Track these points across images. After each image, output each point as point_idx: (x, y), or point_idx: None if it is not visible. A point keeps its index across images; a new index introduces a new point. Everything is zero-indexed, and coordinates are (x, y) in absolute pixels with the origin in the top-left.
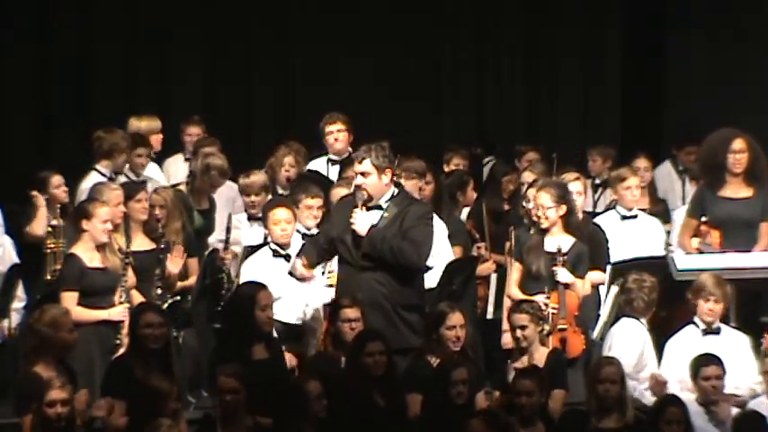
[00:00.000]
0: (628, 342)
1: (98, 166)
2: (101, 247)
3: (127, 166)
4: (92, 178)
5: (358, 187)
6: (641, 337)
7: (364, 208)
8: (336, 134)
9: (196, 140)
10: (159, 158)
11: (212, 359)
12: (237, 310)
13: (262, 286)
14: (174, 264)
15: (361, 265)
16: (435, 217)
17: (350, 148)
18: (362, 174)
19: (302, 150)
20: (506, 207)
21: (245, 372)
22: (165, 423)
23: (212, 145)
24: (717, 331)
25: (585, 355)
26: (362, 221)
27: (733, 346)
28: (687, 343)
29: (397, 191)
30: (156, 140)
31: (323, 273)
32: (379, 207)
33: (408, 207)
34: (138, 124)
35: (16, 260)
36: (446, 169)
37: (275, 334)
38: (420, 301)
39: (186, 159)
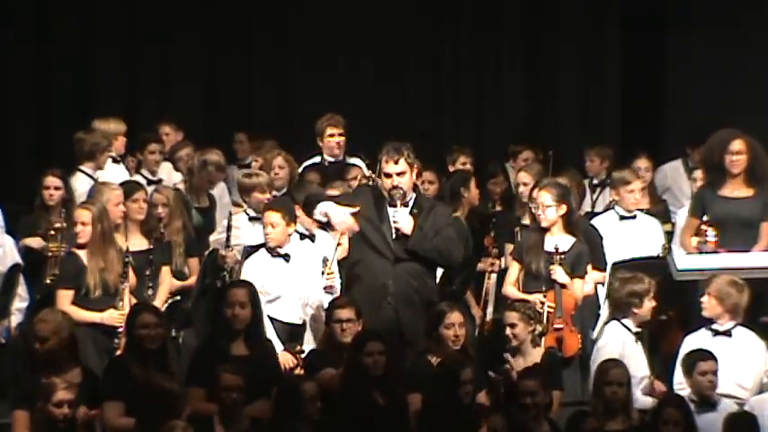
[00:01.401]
0: (608, 346)
1: (82, 167)
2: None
3: (123, 163)
4: (77, 179)
5: (395, 187)
6: (620, 340)
7: (403, 206)
8: (338, 138)
9: (173, 145)
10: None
11: (193, 357)
12: (214, 308)
13: (238, 284)
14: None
15: (397, 257)
16: None
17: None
18: (399, 173)
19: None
20: (497, 209)
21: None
22: (180, 425)
23: (186, 147)
24: (728, 333)
25: (582, 355)
26: (407, 221)
27: (744, 348)
28: (699, 343)
29: (416, 191)
30: (121, 143)
31: (322, 273)
32: (405, 204)
33: (435, 207)
34: (103, 126)
35: (18, 260)
36: (451, 168)
37: (275, 334)
38: (437, 298)
39: (165, 159)
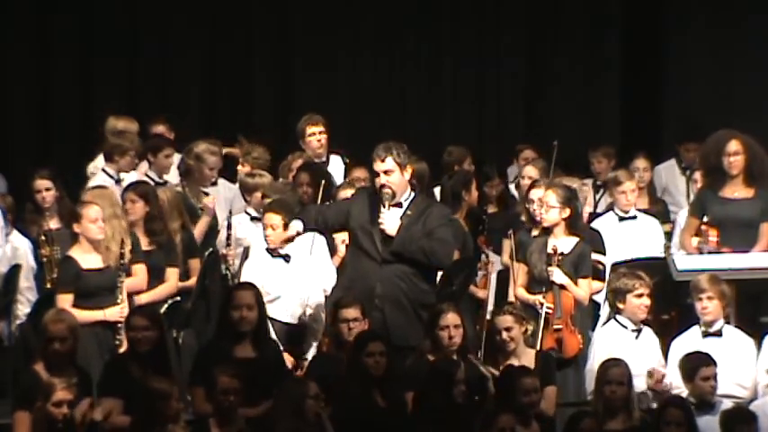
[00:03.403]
0: (599, 344)
1: (105, 167)
2: (101, 247)
3: (127, 166)
4: (99, 179)
5: (383, 186)
6: (613, 338)
7: (390, 207)
8: (318, 136)
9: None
10: None
11: (197, 358)
12: (219, 308)
13: (244, 286)
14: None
15: (384, 259)
16: None
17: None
18: (386, 172)
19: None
20: (491, 210)
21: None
22: (177, 428)
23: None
24: (718, 333)
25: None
26: (391, 222)
27: (735, 347)
28: (690, 344)
29: (414, 192)
30: None
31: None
32: (399, 204)
33: (430, 208)
34: (116, 123)
35: (28, 261)
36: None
37: (274, 334)
38: (433, 300)
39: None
